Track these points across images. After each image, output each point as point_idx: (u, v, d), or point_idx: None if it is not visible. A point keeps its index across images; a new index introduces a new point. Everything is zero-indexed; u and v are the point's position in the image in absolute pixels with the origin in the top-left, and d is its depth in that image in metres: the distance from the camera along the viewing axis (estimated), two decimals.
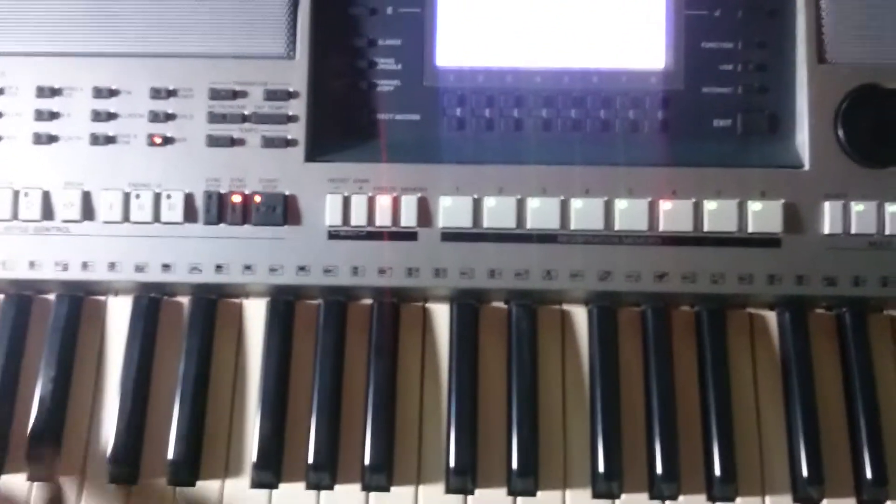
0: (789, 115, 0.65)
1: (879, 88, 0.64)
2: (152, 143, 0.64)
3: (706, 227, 0.63)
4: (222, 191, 0.64)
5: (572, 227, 0.63)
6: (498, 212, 0.63)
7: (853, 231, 0.62)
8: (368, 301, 0.66)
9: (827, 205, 0.63)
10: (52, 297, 0.66)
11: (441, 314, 0.65)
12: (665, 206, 0.63)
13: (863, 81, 0.64)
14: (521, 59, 0.66)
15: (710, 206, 0.63)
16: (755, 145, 0.65)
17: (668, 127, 0.65)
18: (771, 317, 0.65)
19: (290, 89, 0.65)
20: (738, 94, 0.65)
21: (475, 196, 0.63)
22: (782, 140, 0.65)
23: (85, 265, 0.63)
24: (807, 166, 0.63)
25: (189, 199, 0.64)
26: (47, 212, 0.64)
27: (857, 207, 0.63)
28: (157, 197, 0.64)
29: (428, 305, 0.66)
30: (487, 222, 0.63)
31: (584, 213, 0.63)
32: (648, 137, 0.65)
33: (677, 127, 0.65)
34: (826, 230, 0.63)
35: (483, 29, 0.66)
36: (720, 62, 0.65)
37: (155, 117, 0.65)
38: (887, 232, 0.62)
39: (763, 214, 0.63)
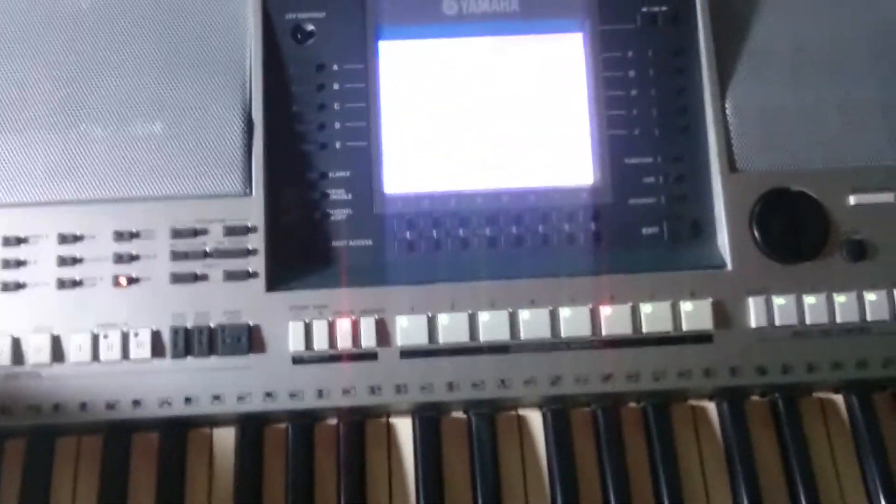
0: (709, 220, 0.71)
1: (788, 192, 0.70)
2: (118, 285, 0.67)
3: (644, 329, 0.68)
4: (188, 325, 0.67)
5: (522, 337, 0.67)
6: (451, 328, 0.67)
7: (777, 323, 0.68)
8: (334, 420, 0.69)
9: (751, 301, 0.69)
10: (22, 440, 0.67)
11: (405, 428, 0.69)
12: (605, 311, 0.68)
13: (772, 186, 0.70)
14: (462, 182, 0.71)
15: (645, 308, 0.68)
16: (682, 250, 0.71)
17: (601, 238, 0.71)
18: (711, 407, 0.70)
19: (249, 224, 0.69)
20: (662, 203, 0.71)
21: (429, 314, 0.68)
22: (706, 244, 0.71)
23: (56, 407, 0.65)
24: (729, 267, 0.69)
25: (156, 336, 0.67)
26: (17, 357, 0.66)
27: (778, 301, 0.69)
28: (125, 336, 0.67)
29: (391, 420, 0.69)
30: (443, 338, 0.67)
31: (532, 323, 0.68)
32: (585, 248, 0.71)
33: (610, 237, 0.71)
34: (753, 324, 0.68)
35: (426, 157, 0.72)
36: (643, 176, 0.72)
37: (119, 259, 0.68)
38: (808, 322, 0.68)
39: (694, 313, 0.68)
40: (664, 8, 0.74)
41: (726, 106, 0.72)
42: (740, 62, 0.73)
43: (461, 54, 0.74)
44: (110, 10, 0.73)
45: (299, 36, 0.73)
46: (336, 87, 0.72)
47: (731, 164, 0.71)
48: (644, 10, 0.74)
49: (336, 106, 0.72)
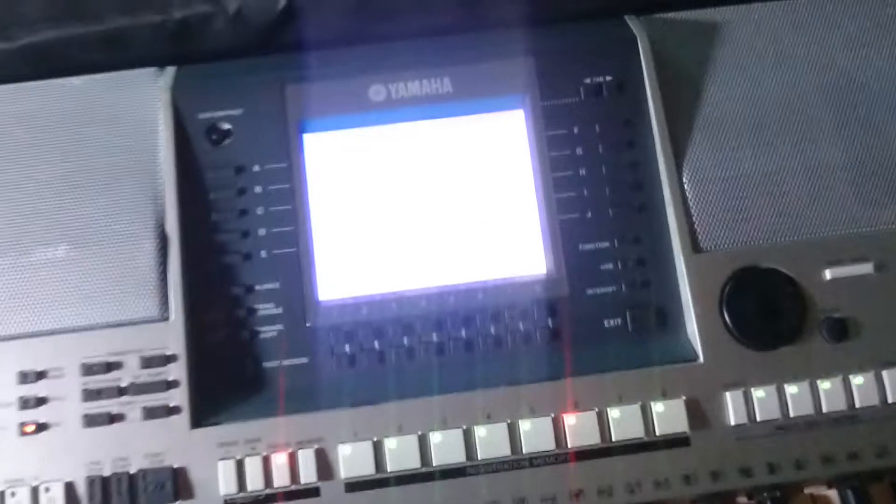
0: (676, 307, 0.65)
1: (758, 270, 0.64)
2: (24, 433, 0.60)
3: (614, 437, 0.61)
4: (105, 474, 0.60)
5: (479, 457, 0.61)
6: (400, 453, 0.61)
7: (758, 418, 0.62)
8: None
9: (728, 395, 0.62)
10: None
11: None
12: (569, 420, 0.62)
13: (740, 265, 0.64)
14: (404, 283, 0.65)
15: (613, 413, 0.62)
16: (648, 343, 0.64)
17: (559, 335, 0.64)
18: None
19: (168, 353, 0.62)
20: (623, 292, 0.65)
21: (375, 439, 0.61)
22: (674, 334, 0.64)
23: None
24: (701, 359, 0.63)
25: (70, 489, 0.60)
26: None
27: (757, 394, 0.62)
28: (35, 491, 0.60)
29: None
30: (391, 466, 0.61)
31: (489, 440, 0.61)
32: (542, 349, 0.64)
33: (569, 334, 0.64)
34: (732, 421, 0.62)
35: (362, 258, 0.66)
36: (601, 262, 0.66)
37: (25, 404, 0.61)
38: (791, 414, 0.62)
39: (667, 415, 0.62)
40: (608, 77, 0.68)
41: (684, 179, 0.66)
42: (695, 130, 0.67)
43: (393, 142, 0.68)
44: (3, 122, 0.67)
45: (215, 136, 0.67)
46: (258, 189, 0.66)
47: (694, 244, 0.65)
48: (587, 80, 0.68)
49: (259, 210, 0.66)
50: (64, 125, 0.67)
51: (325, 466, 0.60)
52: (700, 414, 0.62)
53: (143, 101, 0.68)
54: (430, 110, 0.68)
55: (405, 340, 0.64)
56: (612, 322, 0.65)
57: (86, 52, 0.71)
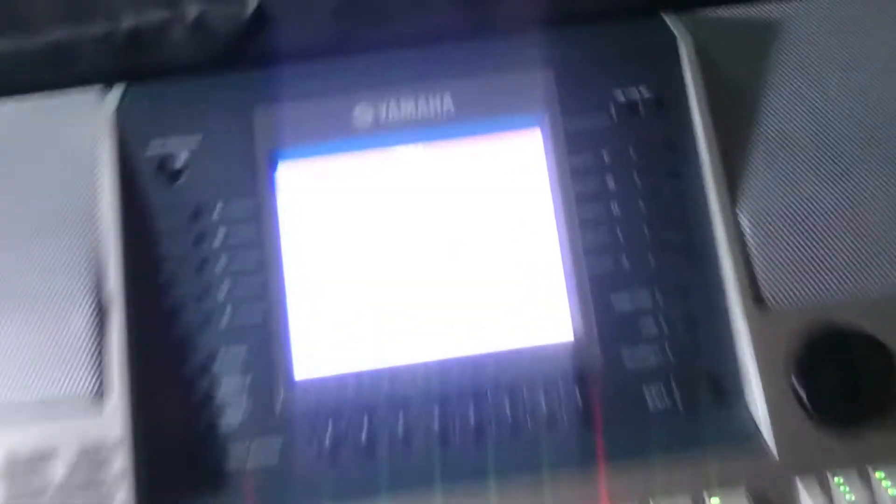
0: (733, 376, 0.52)
1: (836, 330, 0.52)
2: None
3: None
4: None
5: None
6: None
7: None
8: None
9: (800, 484, 0.50)
10: None
11: None
12: None
13: (815, 324, 0.52)
14: (399, 355, 0.54)
15: None
16: (700, 421, 0.52)
17: (590, 414, 0.52)
18: None
19: (107, 444, 0.50)
20: (668, 358, 0.53)
21: None
22: (731, 409, 0.52)
23: None
24: (767, 439, 0.51)
25: None
26: None
27: (837, 481, 0.50)
28: None
29: None
30: None
31: None
32: (569, 431, 0.52)
33: (602, 412, 0.52)
34: None
35: (347, 324, 0.54)
36: (639, 321, 0.53)
37: None
38: None
39: None
40: (644, 91, 0.56)
41: (740, 216, 0.53)
42: (753, 154, 0.55)
43: (383, 173, 0.56)
44: None
45: (168, 171, 0.55)
46: (221, 235, 0.54)
47: (755, 297, 0.52)
48: (618, 95, 0.56)
49: (222, 262, 0.54)
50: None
51: None
52: None
53: (82, 128, 0.56)
54: (427, 133, 0.56)
55: (400, 427, 0.52)
56: (654, 396, 0.53)
57: (22, 69, 0.60)
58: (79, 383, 0.51)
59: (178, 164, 0.55)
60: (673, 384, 0.52)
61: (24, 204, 0.55)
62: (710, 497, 0.50)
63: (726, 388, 0.52)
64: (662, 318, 0.53)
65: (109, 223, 0.54)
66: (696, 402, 0.52)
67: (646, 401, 0.52)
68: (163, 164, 0.55)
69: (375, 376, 0.52)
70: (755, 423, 0.52)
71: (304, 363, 0.53)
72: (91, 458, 0.50)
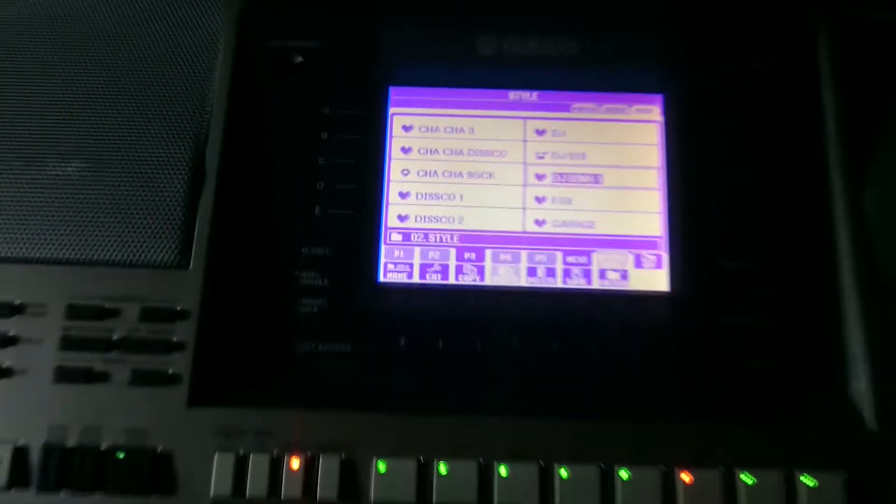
0: (841, 356, 0.49)
1: None
2: None
3: None
4: (69, 444, 0.46)
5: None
6: (453, 482, 0.45)
7: None
8: None
9: None
10: None
11: None
12: (684, 478, 0.45)
13: None
14: (487, 275, 0.51)
15: (746, 479, 0.45)
16: (800, 396, 0.48)
17: (680, 369, 0.49)
18: None
19: (178, 308, 0.48)
20: (771, 327, 0.49)
21: (421, 459, 0.46)
22: (835, 389, 0.48)
23: None
24: (873, 426, 0.47)
25: (20, 455, 0.46)
26: None
27: None
28: None
29: None
30: (438, 496, 0.45)
31: (572, 487, 0.45)
32: (655, 383, 0.49)
33: (692, 370, 0.49)
34: None
35: (439, 239, 0.52)
36: (744, 286, 0.50)
37: None
38: None
39: (821, 492, 0.45)
40: (774, 64, 0.54)
41: (864, 198, 0.51)
42: (881, 141, 0.52)
43: (498, 110, 0.54)
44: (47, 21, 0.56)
45: (283, 69, 0.55)
46: (324, 136, 0.53)
47: (872, 277, 0.49)
48: (750, 65, 0.54)
49: (321, 160, 0.53)
50: (109, 32, 0.56)
51: (350, 483, 0.45)
52: (866, 496, 0.45)
53: (204, 16, 0.56)
54: (548, 76, 0.55)
55: (478, 344, 0.49)
56: (751, 364, 0.49)
57: None
58: (162, 247, 0.50)
59: (295, 63, 0.55)
60: (774, 354, 0.49)
61: (137, 76, 0.55)
62: (803, 476, 0.46)
63: (832, 366, 0.49)
64: (770, 284, 0.50)
65: (218, 103, 0.53)
66: (797, 375, 0.49)
67: (741, 366, 0.49)
68: (279, 60, 0.55)
69: (461, 290, 0.50)
70: (860, 406, 0.47)
71: (390, 266, 0.51)
72: (156, 320, 0.48)
